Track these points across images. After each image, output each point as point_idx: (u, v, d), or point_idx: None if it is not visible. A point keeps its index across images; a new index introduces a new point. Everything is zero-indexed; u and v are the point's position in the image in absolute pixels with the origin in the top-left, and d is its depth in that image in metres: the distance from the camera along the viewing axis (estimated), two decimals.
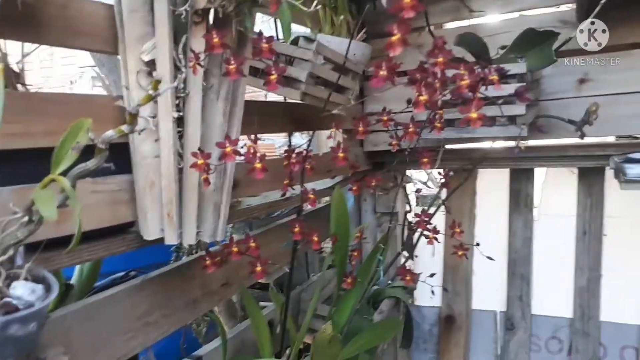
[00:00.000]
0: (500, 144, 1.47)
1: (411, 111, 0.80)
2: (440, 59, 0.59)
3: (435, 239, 1.11)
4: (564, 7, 1.46)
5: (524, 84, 1.07)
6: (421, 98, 0.62)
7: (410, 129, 0.80)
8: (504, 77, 1.08)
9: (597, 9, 1.08)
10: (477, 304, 1.86)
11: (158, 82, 0.48)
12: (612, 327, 1.65)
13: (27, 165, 0.67)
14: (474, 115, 0.63)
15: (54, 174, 0.51)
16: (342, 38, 1.19)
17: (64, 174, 0.53)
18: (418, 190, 1.17)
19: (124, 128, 0.52)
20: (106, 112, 0.82)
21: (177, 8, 0.75)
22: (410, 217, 1.24)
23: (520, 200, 1.73)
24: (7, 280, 0.50)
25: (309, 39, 0.94)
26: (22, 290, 0.49)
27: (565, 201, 1.68)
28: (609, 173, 1.55)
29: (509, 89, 1.07)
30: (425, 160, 0.98)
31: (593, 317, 1.66)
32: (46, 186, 0.51)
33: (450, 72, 0.70)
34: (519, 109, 1.17)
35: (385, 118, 0.91)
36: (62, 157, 0.52)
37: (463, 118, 0.61)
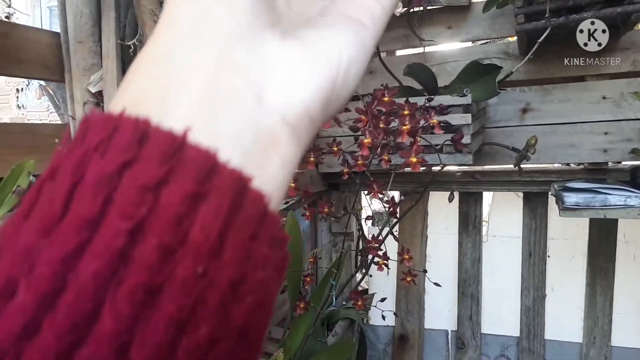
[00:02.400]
0: (448, 167, 1.51)
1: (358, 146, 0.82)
2: (382, 106, 0.61)
3: (386, 265, 1.13)
4: (507, 40, 1.54)
5: (462, 130, 1.11)
6: (365, 141, 0.64)
7: (360, 162, 0.82)
8: (450, 107, 1.13)
9: (536, 46, 1.15)
10: (429, 323, 1.90)
11: None
12: (555, 345, 1.72)
13: None
14: (413, 159, 0.66)
15: None
16: None
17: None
18: (369, 217, 1.19)
19: None
20: (52, 143, 0.80)
21: (125, 42, 0.75)
22: (364, 238, 1.26)
23: (469, 221, 1.79)
24: None
25: None
26: None
27: (512, 223, 1.74)
28: (552, 197, 1.62)
29: (455, 119, 1.12)
30: (375, 188, 1.01)
31: (538, 335, 1.73)
32: None
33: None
34: (464, 139, 1.21)
35: (335, 149, 0.93)
36: (1, 201, 0.51)
37: (403, 163, 0.64)
